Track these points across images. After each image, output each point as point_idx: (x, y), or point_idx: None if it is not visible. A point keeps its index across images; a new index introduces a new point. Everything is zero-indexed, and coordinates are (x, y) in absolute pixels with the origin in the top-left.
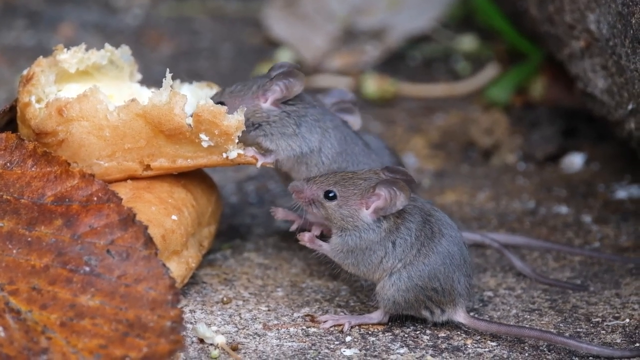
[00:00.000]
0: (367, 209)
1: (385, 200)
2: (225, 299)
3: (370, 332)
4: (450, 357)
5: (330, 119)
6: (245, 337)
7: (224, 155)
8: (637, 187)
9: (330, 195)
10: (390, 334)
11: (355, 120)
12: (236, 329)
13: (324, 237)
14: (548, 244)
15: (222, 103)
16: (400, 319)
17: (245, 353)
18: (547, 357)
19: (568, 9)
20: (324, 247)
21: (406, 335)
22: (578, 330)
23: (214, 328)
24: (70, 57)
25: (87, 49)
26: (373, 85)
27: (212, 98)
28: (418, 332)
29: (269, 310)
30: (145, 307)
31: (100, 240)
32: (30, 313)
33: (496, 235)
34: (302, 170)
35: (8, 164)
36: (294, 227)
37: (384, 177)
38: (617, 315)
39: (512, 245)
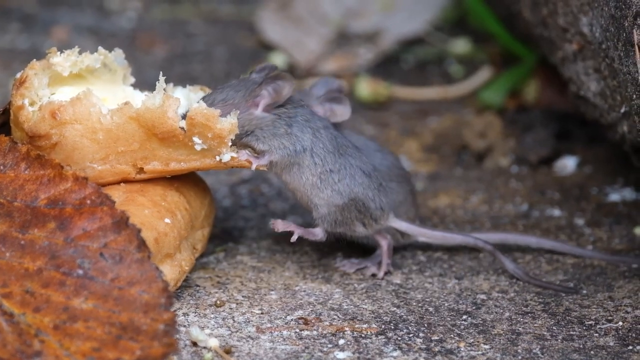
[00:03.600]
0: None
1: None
2: (218, 302)
3: (363, 335)
4: None
5: (319, 119)
6: (238, 340)
7: (217, 158)
8: (629, 190)
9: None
10: (383, 337)
11: (344, 110)
12: (229, 332)
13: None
14: (558, 244)
15: None
16: (394, 321)
17: (239, 356)
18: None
19: (561, 12)
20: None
21: (399, 339)
22: (571, 333)
23: (207, 331)
24: (63, 60)
25: (80, 52)
26: (366, 88)
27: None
28: (411, 335)
29: (262, 313)
30: (139, 310)
31: (94, 243)
32: (23, 316)
33: (491, 235)
34: (295, 171)
35: (1, 167)
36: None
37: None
38: (610, 318)
39: (516, 244)
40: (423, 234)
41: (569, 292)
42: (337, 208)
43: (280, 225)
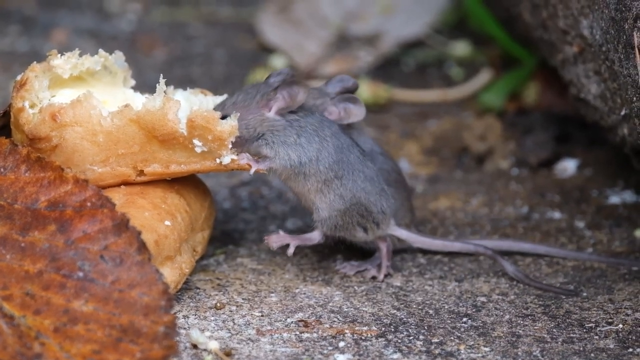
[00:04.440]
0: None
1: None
2: (218, 304)
3: (363, 338)
4: None
5: (328, 126)
6: (238, 343)
7: (218, 160)
8: (630, 192)
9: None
10: (383, 339)
11: (359, 110)
12: (229, 334)
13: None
14: (553, 249)
15: (225, 117)
16: (395, 324)
17: (239, 358)
18: None
19: (561, 15)
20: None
21: (399, 341)
22: (571, 335)
23: (208, 333)
24: (64, 63)
25: (80, 55)
26: (367, 91)
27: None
28: (411, 337)
29: (262, 315)
30: (139, 313)
31: (94, 245)
32: (23, 318)
33: (497, 241)
34: (300, 179)
35: (2, 169)
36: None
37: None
38: (610, 320)
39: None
40: (422, 243)
41: (568, 295)
42: (338, 212)
43: (274, 242)
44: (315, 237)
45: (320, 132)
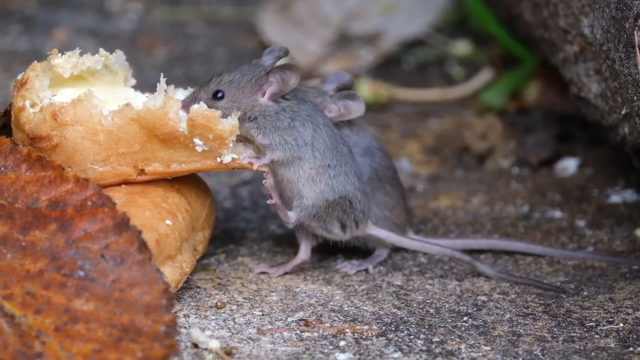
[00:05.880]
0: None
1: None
2: (219, 303)
3: (364, 337)
4: None
5: (320, 116)
6: (239, 342)
7: (218, 159)
8: (631, 191)
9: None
10: (384, 338)
11: (358, 106)
12: (230, 333)
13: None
14: (548, 249)
15: (219, 91)
16: (395, 323)
17: (239, 357)
18: None
19: (562, 14)
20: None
21: (400, 340)
22: (572, 334)
23: (208, 333)
24: (64, 62)
25: (81, 54)
26: (367, 90)
27: (210, 85)
28: (412, 336)
29: (263, 314)
30: (140, 312)
31: (95, 244)
32: (24, 317)
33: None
34: (295, 165)
35: (2, 169)
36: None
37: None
38: (610, 319)
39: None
40: (401, 243)
41: (556, 291)
42: (324, 203)
43: (269, 182)
44: (292, 216)
45: (313, 119)
